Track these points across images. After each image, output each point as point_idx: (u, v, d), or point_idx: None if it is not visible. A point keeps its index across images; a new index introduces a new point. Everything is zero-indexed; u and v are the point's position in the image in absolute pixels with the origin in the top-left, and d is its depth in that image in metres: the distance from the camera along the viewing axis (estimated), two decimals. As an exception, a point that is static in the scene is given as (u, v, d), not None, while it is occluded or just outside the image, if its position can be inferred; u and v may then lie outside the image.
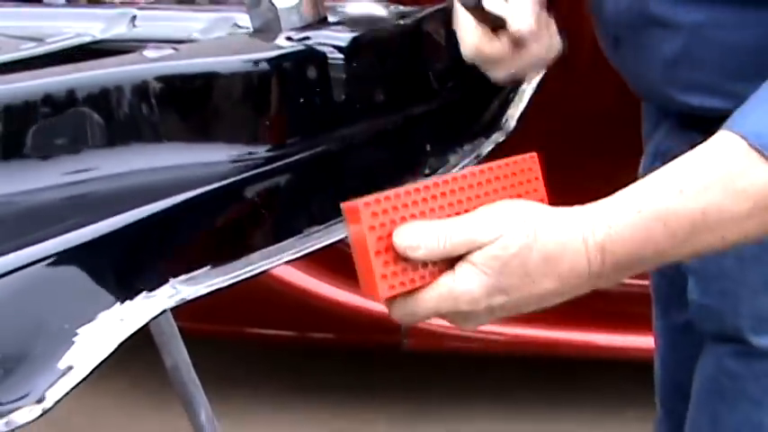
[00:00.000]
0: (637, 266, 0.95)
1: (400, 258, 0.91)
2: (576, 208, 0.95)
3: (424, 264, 0.91)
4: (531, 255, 0.90)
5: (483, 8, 1.17)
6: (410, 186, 0.93)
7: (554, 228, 0.92)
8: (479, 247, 0.90)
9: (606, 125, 2.26)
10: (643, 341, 2.27)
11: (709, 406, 1.35)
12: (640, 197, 0.94)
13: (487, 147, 1.35)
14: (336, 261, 1.77)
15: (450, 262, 0.91)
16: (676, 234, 0.94)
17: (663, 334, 1.55)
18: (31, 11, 1.55)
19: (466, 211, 0.94)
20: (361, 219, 0.90)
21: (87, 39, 1.37)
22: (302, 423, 2.89)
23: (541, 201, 0.98)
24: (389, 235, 0.91)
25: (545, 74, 1.38)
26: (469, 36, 1.21)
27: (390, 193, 0.92)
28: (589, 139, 2.40)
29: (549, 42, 1.25)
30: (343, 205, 0.92)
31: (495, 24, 1.20)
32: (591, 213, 0.94)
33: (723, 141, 0.96)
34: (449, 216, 0.93)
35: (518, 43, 1.21)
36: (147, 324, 0.90)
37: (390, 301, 0.92)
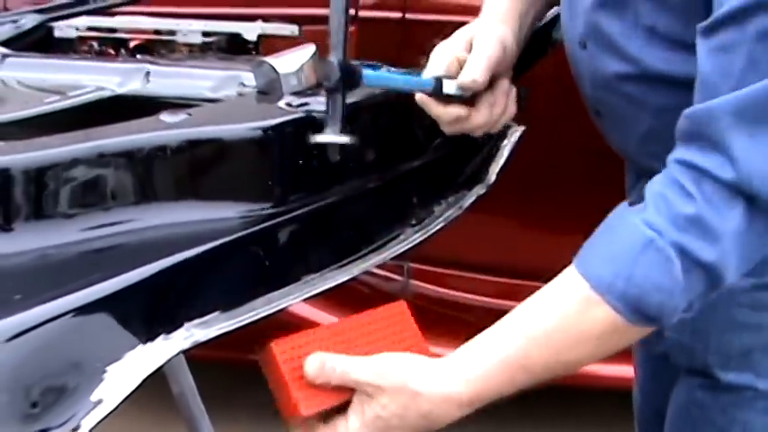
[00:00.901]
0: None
1: (310, 384, 1.11)
2: (448, 363, 1.12)
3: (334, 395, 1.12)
4: (409, 413, 1.10)
5: (442, 93, 1.29)
6: (312, 329, 1.14)
7: (430, 390, 1.10)
8: (366, 399, 1.11)
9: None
10: (624, 370, 2.36)
11: None
12: (503, 348, 1.11)
13: (470, 199, 1.44)
14: (334, 293, 1.87)
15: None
16: (536, 374, 1.13)
17: (643, 364, 1.63)
18: (51, 62, 1.64)
19: (357, 347, 1.15)
20: (276, 354, 1.11)
21: (107, 93, 1.46)
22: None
23: (417, 340, 1.20)
24: (300, 366, 1.11)
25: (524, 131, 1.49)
26: (423, 96, 1.31)
27: (297, 334, 1.13)
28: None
29: (502, 110, 1.34)
30: (257, 348, 1.13)
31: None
32: (460, 370, 1.11)
33: (568, 282, 1.12)
34: (344, 352, 1.13)
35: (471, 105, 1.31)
36: (165, 364, 1.03)
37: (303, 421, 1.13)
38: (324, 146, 1.23)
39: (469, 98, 1.31)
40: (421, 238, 1.35)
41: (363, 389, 1.11)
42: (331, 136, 1.20)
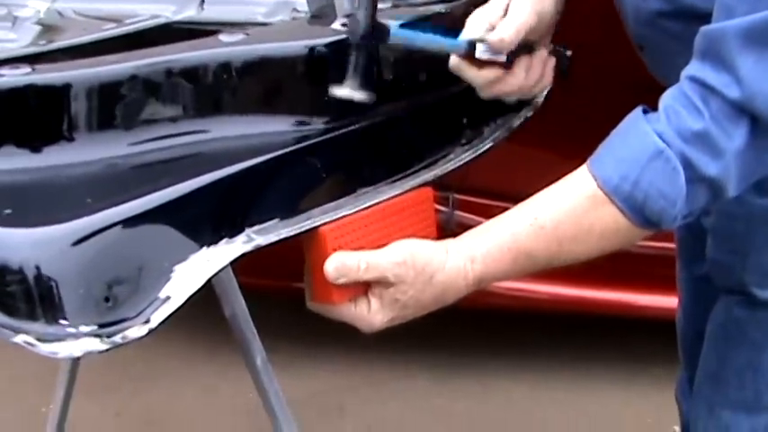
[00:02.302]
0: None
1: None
2: (459, 246, 1.19)
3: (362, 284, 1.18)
4: (424, 295, 1.18)
5: (474, 56, 1.31)
6: (353, 219, 1.19)
7: (444, 273, 1.18)
8: (385, 286, 1.17)
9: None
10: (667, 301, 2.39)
11: (718, 348, 1.48)
12: (509, 235, 1.19)
13: (518, 120, 1.47)
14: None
15: None
16: (537, 261, 1.20)
17: (685, 286, 1.68)
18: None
19: (388, 236, 1.20)
20: (327, 241, 1.16)
21: (162, 20, 1.49)
22: (345, 373, 2.98)
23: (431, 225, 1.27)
24: None
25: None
26: (456, 59, 1.34)
27: (342, 223, 1.18)
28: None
29: (538, 76, 1.38)
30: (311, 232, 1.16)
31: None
32: (469, 252, 1.19)
33: (579, 179, 1.18)
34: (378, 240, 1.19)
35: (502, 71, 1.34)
36: (227, 265, 1.07)
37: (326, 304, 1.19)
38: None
39: (506, 64, 1.34)
40: (470, 157, 1.38)
41: (386, 278, 1.17)
42: (349, 91, 1.23)
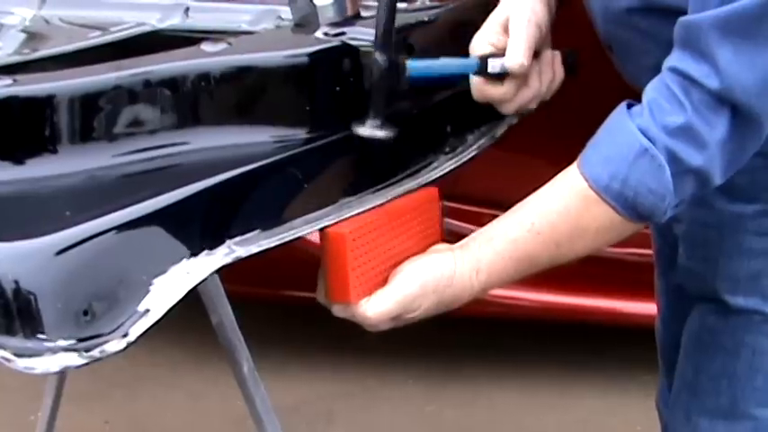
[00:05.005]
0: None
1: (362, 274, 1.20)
2: (464, 256, 1.22)
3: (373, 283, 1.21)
4: (432, 306, 1.22)
5: (487, 72, 1.33)
6: (366, 219, 1.21)
7: (451, 287, 1.22)
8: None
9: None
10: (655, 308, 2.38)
11: (693, 356, 1.47)
12: (509, 242, 1.22)
13: (502, 128, 1.46)
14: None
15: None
16: (539, 264, 1.24)
17: (663, 294, 1.68)
18: (92, 0, 1.62)
19: (396, 237, 1.24)
20: (347, 242, 1.17)
21: (147, 28, 1.48)
22: (335, 380, 2.98)
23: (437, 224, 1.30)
24: (357, 256, 1.19)
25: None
26: (477, 82, 1.35)
27: (359, 221, 1.21)
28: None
29: (551, 77, 1.39)
30: (328, 231, 1.18)
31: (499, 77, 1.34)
32: (476, 263, 1.22)
33: (571, 179, 1.21)
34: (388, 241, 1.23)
35: (519, 81, 1.35)
36: (207, 277, 1.07)
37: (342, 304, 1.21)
38: (359, 73, 1.27)
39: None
40: (453, 166, 1.38)
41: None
42: (372, 130, 1.26)
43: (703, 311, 1.46)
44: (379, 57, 1.24)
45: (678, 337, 1.53)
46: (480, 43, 1.35)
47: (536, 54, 1.37)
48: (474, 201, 2.68)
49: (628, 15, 1.32)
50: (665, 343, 1.70)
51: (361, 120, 1.26)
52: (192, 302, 1.87)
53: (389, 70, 1.25)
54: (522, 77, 1.35)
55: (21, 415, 2.69)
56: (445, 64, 1.34)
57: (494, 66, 1.33)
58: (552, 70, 1.40)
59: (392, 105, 1.27)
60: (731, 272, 1.41)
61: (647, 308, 2.56)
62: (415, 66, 1.28)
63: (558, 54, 1.41)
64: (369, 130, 1.25)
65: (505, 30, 1.35)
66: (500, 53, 1.33)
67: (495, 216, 1.25)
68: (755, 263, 1.40)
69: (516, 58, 1.32)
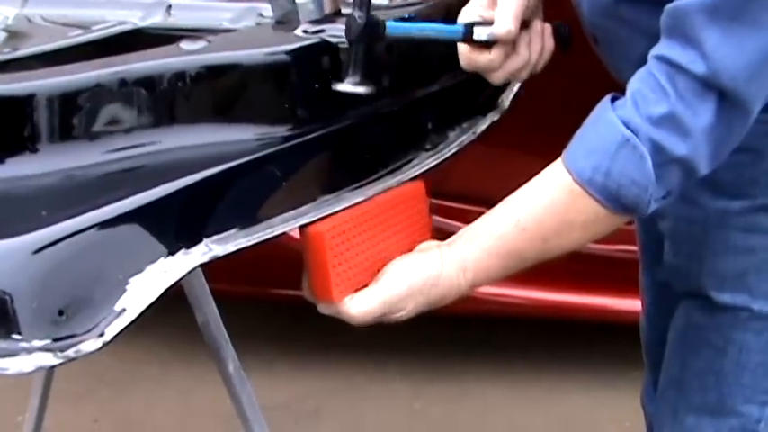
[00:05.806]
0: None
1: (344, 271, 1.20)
2: (451, 255, 1.23)
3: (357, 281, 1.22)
4: (419, 305, 1.23)
5: (473, 39, 1.32)
6: (347, 216, 1.22)
7: (437, 286, 1.22)
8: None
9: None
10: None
11: (679, 353, 1.47)
12: (496, 239, 1.22)
13: (483, 124, 1.47)
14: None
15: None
16: (526, 259, 1.24)
17: (648, 290, 1.68)
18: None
19: (381, 232, 1.25)
20: (325, 240, 1.18)
21: (129, 27, 1.49)
22: (322, 377, 2.98)
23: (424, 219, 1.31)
24: (338, 254, 1.19)
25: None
26: (464, 50, 1.34)
27: (336, 221, 1.21)
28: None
29: (540, 47, 1.38)
30: (308, 230, 1.19)
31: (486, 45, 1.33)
32: (462, 263, 1.22)
33: (555, 173, 1.21)
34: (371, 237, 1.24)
35: (507, 49, 1.34)
36: (184, 276, 1.06)
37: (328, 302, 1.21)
38: (339, 70, 1.26)
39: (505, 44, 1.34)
40: (434, 163, 1.38)
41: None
42: (350, 86, 1.25)
43: (689, 308, 1.46)
44: (357, 14, 1.23)
45: (664, 333, 1.53)
46: (468, 13, 1.34)
47: (525, 24, 1.36)
48: (462, 198, 2.68)
49: (615, 6, 1.32)
50: (650, 340, 1.70)
51: (340, 77, 1.25)
52: (181, 299, 1.89)
53: (367, 27, 1.24)
54: (509, 45, 1.34)
55: (7, 416, 2.68)
56: (426, 27, 1.33)
57: (479, 33, 1.32)
58: (542, 41, 1.39)
59: (370, 63, 1.26)
60: (717, 269, 1.40)
61: (636, 304, 2.61)
62: (393, 26, 1.27)
63: (548, 26, 1.40)
64: (347, 86, 1.25)
65: (494, 3, 1.34)
66: (488, 24, 1.32)
67: (483, 213, 1.25)
68: (741, 260, 1.39)
69: (503, 24, 1.31)
